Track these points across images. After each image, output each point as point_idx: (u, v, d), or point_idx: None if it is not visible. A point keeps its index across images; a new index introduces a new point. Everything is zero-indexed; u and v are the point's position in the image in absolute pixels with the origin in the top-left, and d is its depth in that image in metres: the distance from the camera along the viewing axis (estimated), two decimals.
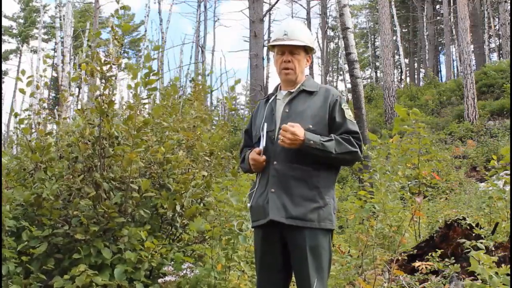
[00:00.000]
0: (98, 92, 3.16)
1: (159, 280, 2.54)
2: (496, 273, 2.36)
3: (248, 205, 2.38)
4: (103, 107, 3.11)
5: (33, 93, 3.43)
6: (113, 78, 3.19)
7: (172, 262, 2.88)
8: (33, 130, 3.36)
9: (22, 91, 3.32)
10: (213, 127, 4.29)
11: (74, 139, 3.18)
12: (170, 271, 2.57)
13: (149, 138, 3.29)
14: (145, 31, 25.20)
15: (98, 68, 3.11)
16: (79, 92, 18.05)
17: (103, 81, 3.14)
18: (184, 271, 2.62)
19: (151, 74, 3.20)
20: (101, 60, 3.12)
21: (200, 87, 4.28)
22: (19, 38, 36.31)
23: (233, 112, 20.38)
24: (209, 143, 3.68)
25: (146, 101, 3.52)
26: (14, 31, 36.34)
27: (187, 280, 2.79)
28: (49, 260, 2.99)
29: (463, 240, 3.37)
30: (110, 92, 3.15)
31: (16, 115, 3.32)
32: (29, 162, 3.37)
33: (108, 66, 3.15)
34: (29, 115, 3.34)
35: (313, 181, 2.22)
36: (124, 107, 3.88)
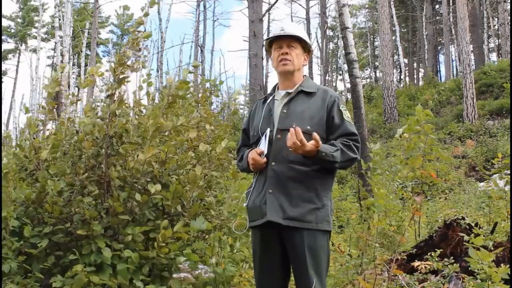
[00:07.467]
0: (109, 92, 3.18)
1: (174, 275, 2.55)
2: (496, 272, 2.38)
3: (244, 205, 2.38)
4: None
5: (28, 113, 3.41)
6: (126, 79, 3.21)
7: (188, 262, 2.88)
8: (40, 128, 3.35)
9: (27, 110, 3.34)
10: (217, 128, 4.30)
11: (82, 136, 3.18)
12: (184, 268, 2.58)
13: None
14: (144, 30, 25.14)
15: (119, 70, 3.13)
16: (78, 92, 18.03)
17: (115, 81, 3.16)
18: (199, 271, 2.63)
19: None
20: (122, 62, 3.14)
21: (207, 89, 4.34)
22: (17, 38, 36.23)
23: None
24: (213, 143, 3.69)
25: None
26: (12, 31, 36.25)
27: (203, 280, 2.79)
28: (49, 259, 2.98)
29: (463, 234, 3.37)
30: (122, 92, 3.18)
31: (27, 110, 3.30)
32: (29, 162, 3.35)
33: (122, 67, 3.16)
34: (33, 117, 3.33)
35: (311, 183, 2.21)
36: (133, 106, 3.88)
